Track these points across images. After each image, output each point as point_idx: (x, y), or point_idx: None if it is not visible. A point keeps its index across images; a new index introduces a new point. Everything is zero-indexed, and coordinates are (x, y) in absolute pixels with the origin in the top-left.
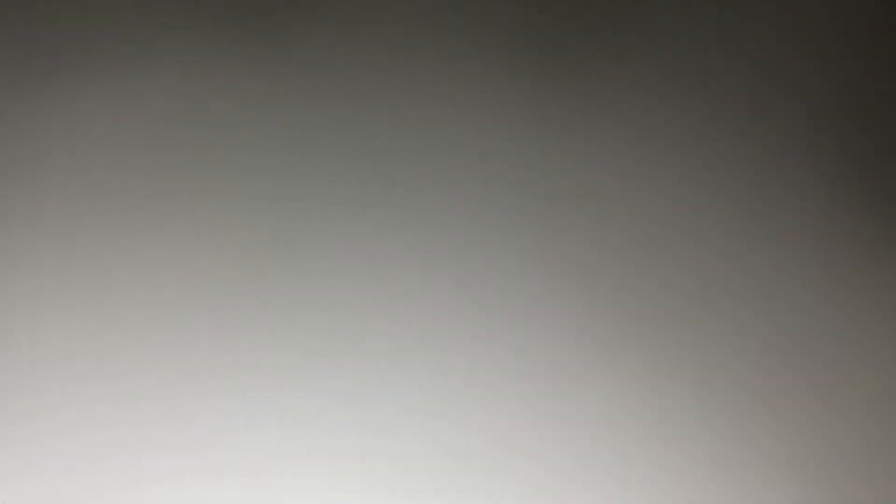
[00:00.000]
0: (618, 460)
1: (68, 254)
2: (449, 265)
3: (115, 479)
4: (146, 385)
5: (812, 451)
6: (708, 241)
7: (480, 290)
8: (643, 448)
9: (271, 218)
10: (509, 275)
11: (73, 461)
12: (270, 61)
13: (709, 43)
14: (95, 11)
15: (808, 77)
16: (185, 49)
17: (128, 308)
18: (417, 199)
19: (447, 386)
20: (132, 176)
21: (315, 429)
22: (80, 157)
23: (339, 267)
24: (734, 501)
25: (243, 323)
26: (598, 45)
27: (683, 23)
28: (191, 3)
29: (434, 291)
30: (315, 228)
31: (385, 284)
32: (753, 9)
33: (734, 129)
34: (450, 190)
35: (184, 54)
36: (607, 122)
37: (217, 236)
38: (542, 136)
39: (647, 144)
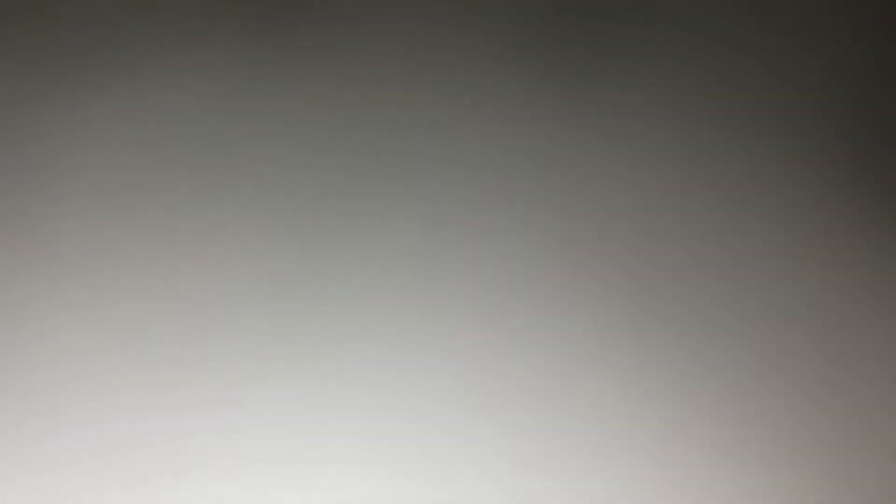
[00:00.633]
0: (624, 457)
1: (73, 253)
2: (452, 263)
3: (114, 479)
4: (148, 383)
5: (817, 447)
6: (712, 236)
7: (484, 288)
8: (648, 445)
9: (277, 217)
10: (514, 272)
11: (72, 461)
12: (277, 62)
13: (712, 37)
14: (102, 16)
15: (811, 71)
16: (193, 52)
17: (131, 307)
18: (422, 196)
19: (451, 385)
20: (140, 177)
21: (318, 428)
22: (87, 159)
23: (345, 266)
24: (741, 496)
25: (247, 322)
26: (604, 41)
27: (689, 17)
28: (197, 7)
29: (437, 290)
30: (320, 227)
31: (390, 282)
32: (756, 5)
33: (738, 124)
34: (454, 187)
35: (192, 57)
36: (612, 118)
37: (221, 237)
38: (546, 132)
39: (652, 139)
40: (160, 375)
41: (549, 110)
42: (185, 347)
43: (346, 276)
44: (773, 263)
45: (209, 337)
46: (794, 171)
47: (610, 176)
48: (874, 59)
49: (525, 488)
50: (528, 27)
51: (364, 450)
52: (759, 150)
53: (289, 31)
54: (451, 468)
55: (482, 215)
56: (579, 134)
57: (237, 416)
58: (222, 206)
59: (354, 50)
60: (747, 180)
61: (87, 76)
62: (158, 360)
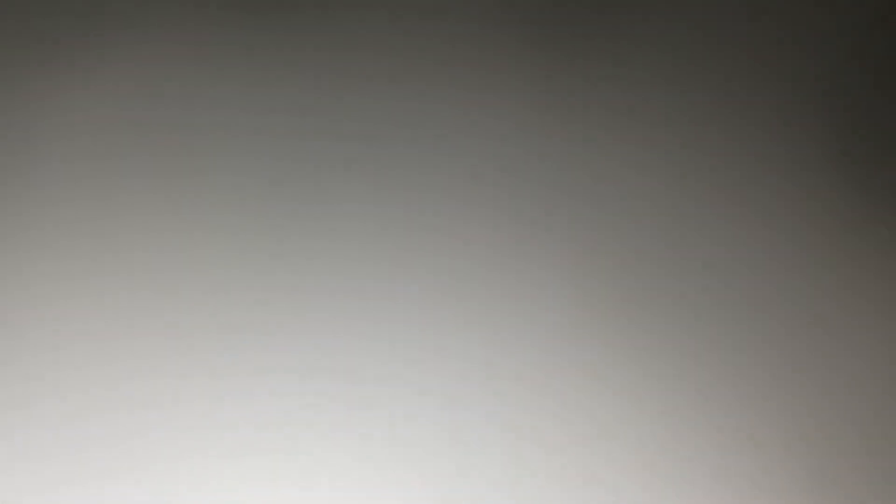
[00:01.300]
0: (618, 456)
1: (62, 248)
2: (448, 260)
3: (103, 473)
4: (140, 382)
5: (812, 446)
6: (709, 234)
7: (479, 284)
8: (643, 444)
9: (269, 212)
10: (511, 269)
11: (71, 462)
12: (268, 52)
13: (701, 37)
14: (84, 10)
15: (809, 69)
16: (183, 40)
17: (123, 303)
18: (416, 193)
19: (447, 383)
20: (128, 168)
21: (315, 428)
22: (74, 149)
23: (338, 262)
24: (735, 497)
25: (241, 320)
26: (602, 38)
27: (678, 14)
28: (181, 6)
29: (433, 287)
30: (313, 223)
31: (384, 277)
32: (752, 4)
33: (729, 123)
34: (450, 183)
35: (181, 45)
36: (608, 116)
37: (213, 232)
38: (543, 128)
39: (639, 135)
40: (146, 370)
41: (549, 104)
42: (171, 341)
43: (337, 275)
44: (771, 260)
45: (205, 336)
46: (793, 167)
47: (600, 172)
48: (872, 55)
49: (522, 489)
50: (529, 22)
51: (359, 452)
52: (752, 146)
53: (280, 20)
54: (445, 467)
55: (479, 211)
56: (579, 129)
57: (225, 410)
58: (207, 196)
59: (349, 42)
60: (739, 177)
61: (69, 61)
62: (144, 355)
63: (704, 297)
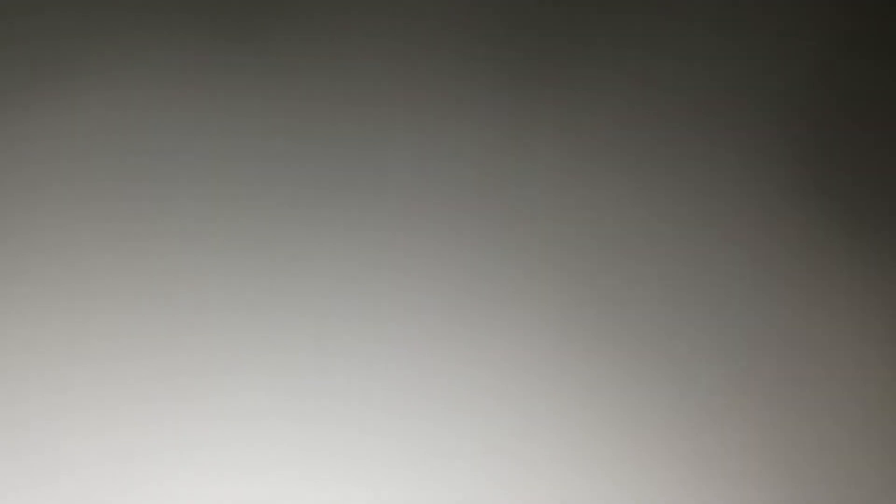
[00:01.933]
0: (606, 459)
1: (60, 258)
2: (437, 267)
3: (112, 480)
4: (139, 386)
5: (799, 448)
6: (690, 242)
7: (470, 291)
8: (629, 448)
9: (262, 220)
10: (497, 276)
11: (69, 463)
12: (258, 68)
13: (678, 50)
14: (81, 19)
15: (786, 81)
16: (166, 56)
17: (119, 311)
18: (402, 202)
19: (440, 386)
20: (120, 182)
21: (312, 429)
22: (68, 164)
23: (328, 268)
24: (720, 499)
25: (239, 324)
26: (580, 51)
27: (655, 28)
28: (178, 11)
29: (423, 294)
30: (304, 230)
31: (372, 286)
32: (721, 17)
33: (713, 134)
34: (435, 193)
35: (173, 61)
36: (588, 126)
37: (208, 240)
38: (524, 140)
39: (616, 148)
40: (154, 376)
41: (530, 116)
42: (178, 352)
43: (328, 280)
44: (753, 266)
45: (204, 340)
46: (772, 176)
47: (577, 185)
48: (849, 66)
49: (516, 487)
50: (511, 35)
51: (356, 453)
52: (738, 158)
53: (269, 36)
54: (442, 468)
55: (463, 220)
56: (560, 140)
57: (234, 417)
58: (198, 211)
59: (336, 56)
60: (717, 191)
61: (57, 82)
62: (153, 361)
63: (687, 301)
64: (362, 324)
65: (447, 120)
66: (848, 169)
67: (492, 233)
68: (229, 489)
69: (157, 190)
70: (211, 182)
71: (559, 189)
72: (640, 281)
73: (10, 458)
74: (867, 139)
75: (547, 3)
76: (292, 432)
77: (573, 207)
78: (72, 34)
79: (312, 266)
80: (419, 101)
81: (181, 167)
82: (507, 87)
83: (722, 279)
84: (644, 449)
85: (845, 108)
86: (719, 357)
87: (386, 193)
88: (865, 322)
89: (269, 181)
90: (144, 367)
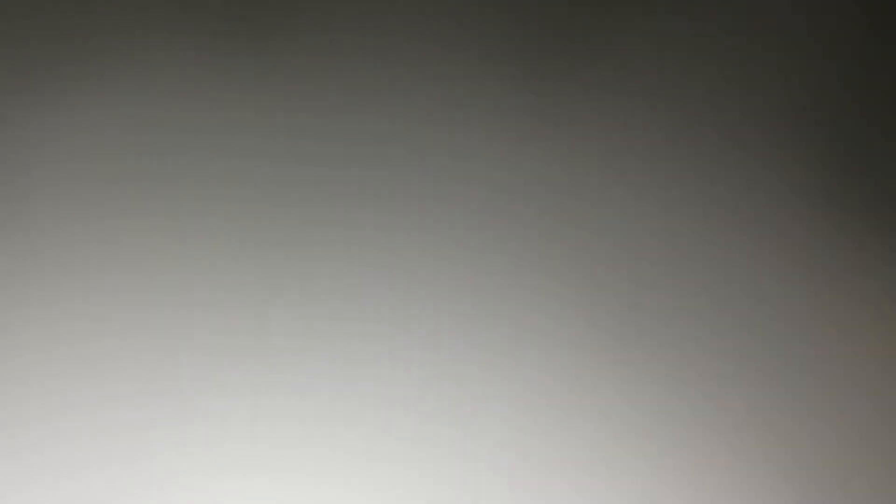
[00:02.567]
0: (614, 463)
1: (63, 260)
2: (444, 269)
3: (111, 482)
4: (140, 388)
5: (809, 453)
6: (698, 245)
7: (477, 292)
8: (637, 451)
9: (266, 221)
10: (505, 277)
11: (68, 465)
12: (260, 69)
13: (686, 50)
14: (83, 21)
15: (795, 83)
16: (176, 58)
17: (123, 312)
18: (406, 205)
19: (443, 388)
20: (123, 185)
21: (312, 431)
22: (69, 166)
23: (336, 270)
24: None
25: (244, 326)
26: (586, 55)
27: (662, 28)
28: (180, 14)
29: (429, 296)
30: (309, 232)
31: (380, 287)
32: (729, 15)
33: (720, 137)
34: (439, 196)
35: (174, 63)
36: (595, 129)
37: (209, 242)
38: (532, 141)
39: (636, 149)
40: (155, 377)
41: (537, 118)
42: (180, 353)
43: (330, 282)
44: (762, 269)
45: (206, 342)
46: (781, 181)
47: (587, 185)
48: (856, 64)
49: (520, 490)
50: (516, 38)
51: (356, 455)
52: (745, 161)
53: (270, 38)
54: (443, 470)
55: (469, 222)
56: (567, 141)
57: (233, 418)
58: (202, 214)
59: (336, 59)
60: (727, 190)
61: (60, 84)
62: (145, 368)
63: (695, 304)
64: (369, 325)
65: (456, 121)
66: (857, 171)
67: (500, 234)
68: (231, 491)
69: (161, 191)
70: (215, 183)
71: (570, 190)
72: (651, 282)
73: (9, 459)
74: (874, 140)
75: (558, 4)
76: (296, 435)
77: (585, 208)
78: (71, 36)
79: (319, 268)
80: (426, 102)
81: (182, 168)
82: (519, 89)
83: (733, 280)
84: (652, 451)
85: (853, 110)
86: (730, 358)
87: (395, 195)
88: (875, 324)
89: (273, 182)
90: (146, 370)
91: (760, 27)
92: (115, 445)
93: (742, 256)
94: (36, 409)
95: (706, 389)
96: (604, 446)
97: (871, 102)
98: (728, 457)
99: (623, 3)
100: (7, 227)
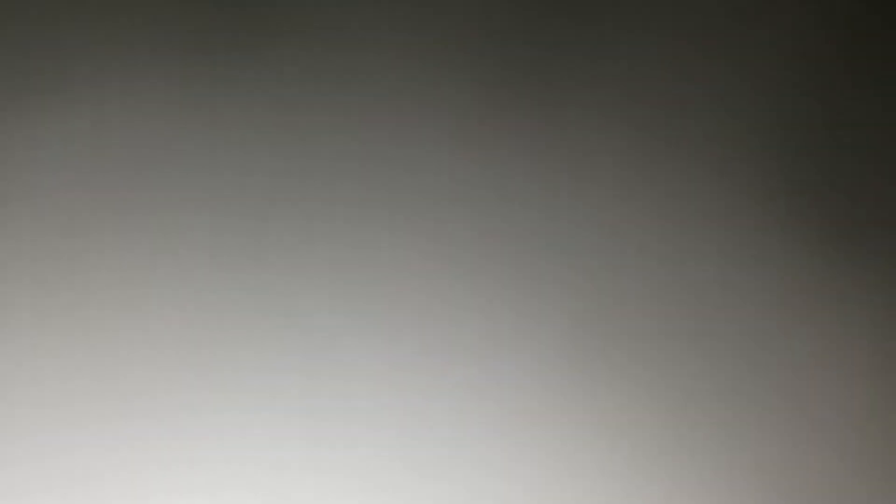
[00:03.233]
0: (603, 472)
1: (55, 266)
2: (435, 275)
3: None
4: (143, 392)
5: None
6: (681, 259)
7: (468, 300)
8: (628, 454)
9: (262, 225)
10: (495, 289)
11: (71, 466)
12: (251, 77)
13: (675, 65)
14: (73, 29)
15: (771, 103)
16: (167, 66)
17: (123, 313)
18: (399, 211)
19: (438, 394)
20: (115, 190)
21: (310, 434)
22: (61, 173)
23: (332, 278)
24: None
25: (237, 328)
26: (567, 67)
27: (647, 47)
28: (171, 21)
29: (420, 301)
30: (303, 236)
31: (370, 294)
32: (710, 34)
33: (703, 143)
34: (432, 202)
35: (165, 71)
36: (579, 142)
37: (202, 248)
38: (519, 154)
39: (611, 169)
40: (153, 381)
41: (520, 128)
42: (176, 357)
43: (324, 287)
44: (743, 279)
45: (201, 344)
46: (762, 199)
47: (572, 206)
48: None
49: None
50: (499, 50)
51: (354, 458)
52: (717, 168)
53: (254, 47)
54: (439, 476)
55: (460, 233)
56: (541, 163)
57: (233, 419)
58: (192, 219)
59: (326, 70)
60: (709, 213)
61: (52, 90)
62: (146, 372)
63: (680, 316)
64: (360, 333)
65: (449, 130)
66: (837, 178)
67: (494, 240)
68: (233, 493)
69: (152, 196)
70: (207, 188)
71: (560, 197)
72: (637, 288)
73: (9, 460)
74: (857, 147)
75: (535, 15)
76: (295, 435)
77: (576, 217)
78: (62, 43)
79: (313, 275)
80: (419, 109)
81: (174, 174)
82: (511, 96)
83: (717, 285)
84: (648, 456)
85: (835, 120)
86: (716, 363)
87: (387, 201)
88: (851, 331)
89: (264, 186)
90: (147, 373)
91: (742, 35)
92: (118, 448)
93: (728, 263)
94: (34, 412)
95: (693, 394)
96: (596, 449)
97: (852, 110)
98: (714, 458)
99: (607, 15)
100: (7, 229)
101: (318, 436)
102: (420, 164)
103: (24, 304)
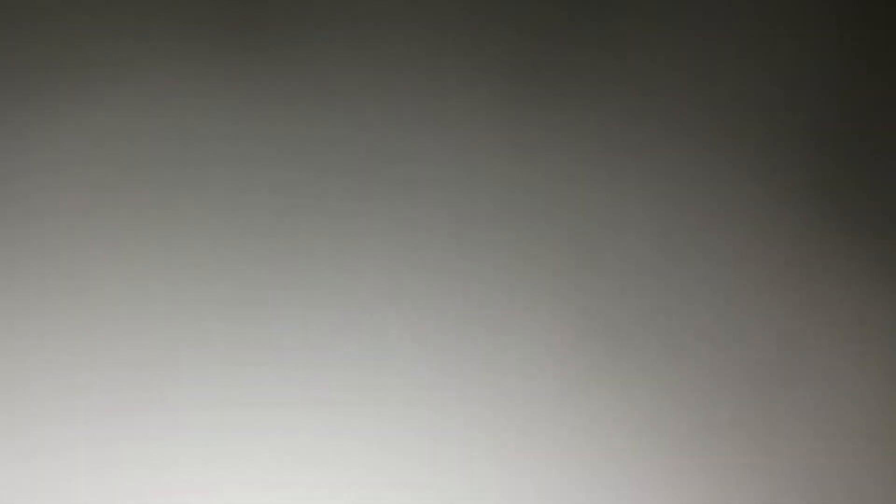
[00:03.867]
0: (606, 471)
1: (61, 266)
2: (438, 276)
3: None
4: (143, 391)
5: (803, 454)
6: (689, 250)
7: (471, 300)
8: (630, 461)
9: (268, 224)
10: (498, 285)
11: (71, 468)
12: (258, 77)
13: (682, 63)
14: (81, 25)
15: (777, 96)
16: (175, 65)
17: (124, 313)
18: (402, 210)
19: (438, 394)
20: (123, 190)
21: (310, 433)
22: (70, 172)
23: (327, 275)
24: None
25: (239, 326)
26: (576, 64)
27: (653, 42)
28: (179, 21)
29: (423, 301)
30: (310, 235)
31: (374, 294)
32: (718, 28)
33: (716, 138)
34: (436, 202)
35: (173, 70)
36: (585, 137)
37: (208, 247)
38: (524, 150)
39: (625, 157)
40: (154, 380)
41: (529, 127)
42: (177, 356)
43: (327, 286)
44: (754, 278)
45: (203, 343)
46: (770, 188)
47: (588, 190)
48: (841, 75)
49: (514, 497)
50: (496, 52)
51: (354, 457)
52: (732, 163)
53: (261, 47)
54: (440, 475)
55: (465, 230)
56: (558, 150)
57: (232, 420)
58: (199, 218)
59: (335, 65)
60: (719, 197)
61: (61, 90)
62: (147, 372)
63: (685, 312)
64: (364, 333)
65: (452, 130)
66: (850, 172)
67: (500, 239)
68: (233, 494)
69: (159, 196)
70: (214, 188)
71: (563, 194)
72: (641, 287)
73: (9, 460)
74: (868, 142)
75: (548, 9)
76: (295, 436)
77: (581, 213)
78: (71, 43)
79: (317, 272)
80: (421, 110)
81: (181, 173)
82: (511, 96)
83: (723, 283)
84: (651, 458)
85: (847, 113)
86: (721, 361)
87: (390, 201)
88: (865, 326)
89: (270, 186)
90: (148, 373)
91: (755, 30)
92: (114, 448)
93: (734, 260)
94: (34, 412)
95: (697, 392)
96: (598, 448)
97: (865, 104)
98: (719, 458)
99: (615, 12)
100: (6, 232)
101: (322, 432)
102: (427, 160)
103: (28, 304)
